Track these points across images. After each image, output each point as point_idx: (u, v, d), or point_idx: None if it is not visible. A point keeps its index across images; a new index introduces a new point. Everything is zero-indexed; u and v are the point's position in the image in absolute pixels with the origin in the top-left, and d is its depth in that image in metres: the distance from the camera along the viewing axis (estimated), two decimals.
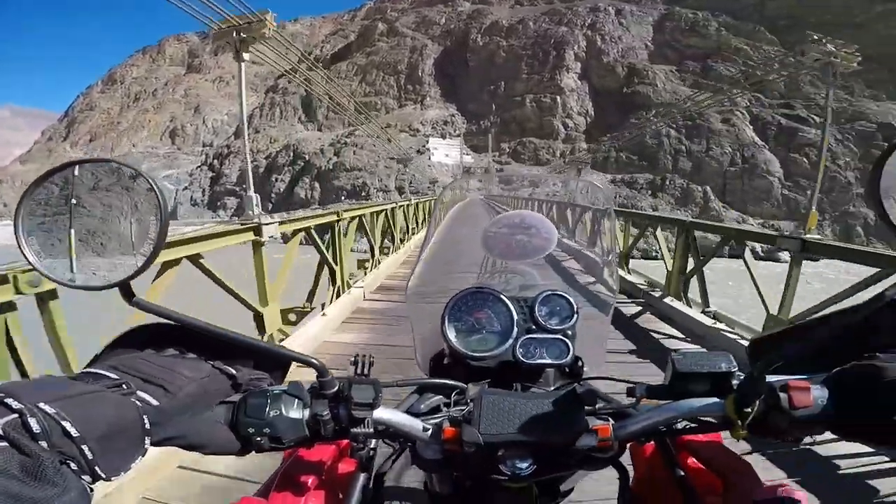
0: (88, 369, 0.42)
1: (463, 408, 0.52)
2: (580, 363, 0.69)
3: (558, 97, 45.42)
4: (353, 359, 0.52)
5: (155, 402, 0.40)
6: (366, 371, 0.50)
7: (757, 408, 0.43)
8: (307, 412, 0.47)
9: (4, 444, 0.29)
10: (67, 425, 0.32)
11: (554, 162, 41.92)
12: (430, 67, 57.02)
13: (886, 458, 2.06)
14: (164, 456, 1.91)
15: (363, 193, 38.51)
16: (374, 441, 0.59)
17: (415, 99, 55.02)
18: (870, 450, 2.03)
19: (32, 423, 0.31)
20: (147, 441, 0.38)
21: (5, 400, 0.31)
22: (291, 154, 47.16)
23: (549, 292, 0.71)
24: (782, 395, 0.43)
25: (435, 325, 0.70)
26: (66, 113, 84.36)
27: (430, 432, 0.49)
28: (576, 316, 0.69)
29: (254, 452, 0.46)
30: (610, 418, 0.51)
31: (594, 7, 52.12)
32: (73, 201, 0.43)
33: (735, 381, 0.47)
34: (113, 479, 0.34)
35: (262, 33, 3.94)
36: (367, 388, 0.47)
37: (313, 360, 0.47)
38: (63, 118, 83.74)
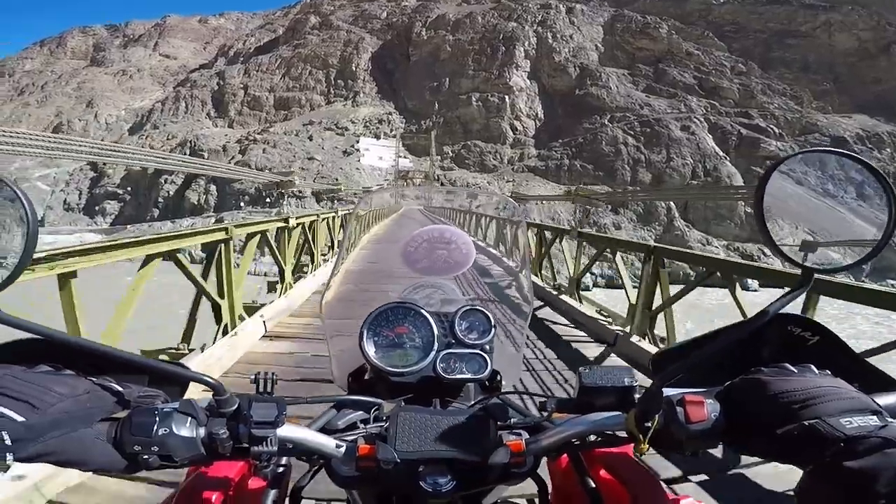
0: None
1: (380, 425, 0.52)
2: (498, 377, 0.70)
3: (507, 97, 41.00)
4: (253, 377, 0.50)
5: (20, 418, 0.38)
6: (268, 389, 0.49)
7: (657, 422, 0.44)
8: (202, 430, 0.45)
9: None
10: None
11: (501, 169, 37.10)
12: (367, 62, 50.94)
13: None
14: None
15: (269, 200, 31.49)
16: (284, 458, 0.57)
17: (346, 95, 48.63)
18: None
19: None
20: (9, 457, 0.36)
21: None
22: (188, 152, 38.85)
23: (469, 307, 0.71)
24: (679, 410, 0.43)
25: (353, 340, 0.69)
26: None
27: (343, 449, 0.49)
28: (493, 330, 0.69)
29: (145, 472, 0.44)
30: (524, 432, 0.51)
31: (545, 4, 48.60)
32: None
33: (637, 396, 0.48)
34: None
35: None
36: (269, 406, 0.46)
37: (208, 379, 0.45)
38: None
